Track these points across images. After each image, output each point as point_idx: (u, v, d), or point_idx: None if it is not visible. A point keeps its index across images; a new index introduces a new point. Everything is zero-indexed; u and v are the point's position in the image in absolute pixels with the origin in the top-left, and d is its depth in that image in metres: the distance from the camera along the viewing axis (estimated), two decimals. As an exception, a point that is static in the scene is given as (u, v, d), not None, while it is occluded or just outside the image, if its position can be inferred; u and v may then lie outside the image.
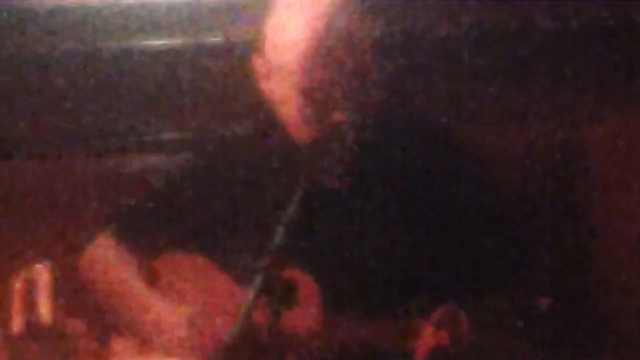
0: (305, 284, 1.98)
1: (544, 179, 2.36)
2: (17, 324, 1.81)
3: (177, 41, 2.61)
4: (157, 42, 2.63)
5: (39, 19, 2.57)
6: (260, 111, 2.17)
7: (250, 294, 1.80)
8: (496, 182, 2.21)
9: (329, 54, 2.05)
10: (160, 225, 2.24)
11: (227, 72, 2.33)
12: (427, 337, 1.95)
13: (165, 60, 2.62)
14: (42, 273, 1.82)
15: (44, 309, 1.81)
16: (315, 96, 2.05)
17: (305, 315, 1.98)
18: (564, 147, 2.44)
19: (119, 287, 2.20)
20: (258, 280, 1.81)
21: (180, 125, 2.63)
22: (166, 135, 2.65)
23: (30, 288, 1.81)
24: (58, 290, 1.82)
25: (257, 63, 2.13)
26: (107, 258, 2.25)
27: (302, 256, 1.94)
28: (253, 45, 2.14)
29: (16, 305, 1.81)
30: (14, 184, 2.50)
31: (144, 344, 2.06)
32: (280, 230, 1.86)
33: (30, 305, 1.81)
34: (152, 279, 2.20)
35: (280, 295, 1.84)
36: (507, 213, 2.17)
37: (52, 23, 2.56)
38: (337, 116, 2.08)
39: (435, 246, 2.09)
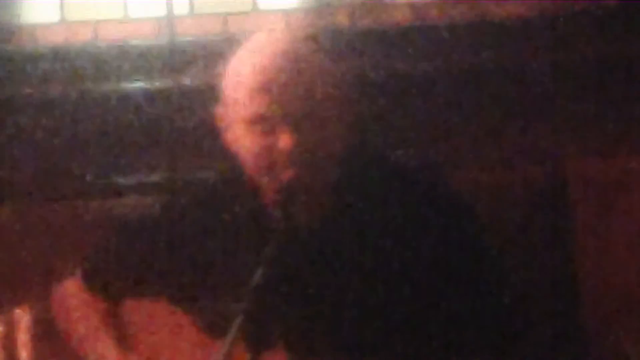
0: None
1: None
2: (-2, 367, 1.84)
3: (155, 83, 2.65)
4: (134, 85, 2.67)
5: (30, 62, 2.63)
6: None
7: (229, 336, 1.75)
8: (473, 222, 2.15)
9: (284, 99, 2.02)
10: (127, 269, 2.20)
11: (205, 113, 2.25)
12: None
13: (140, 102, 2.64)
14: (22, 317, 1.86)
15: (24, 352, 1.84)
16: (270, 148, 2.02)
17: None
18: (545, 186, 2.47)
19: (84, 331, 2.15)
20: (237, 321, 1.76)
21: (153, 167, 2.66)
22: (137, 178, 2.67)
23: (12, 331, 1.85)
24: (38, 333, 1.88)
25: (220, 112, 2.11)
26: (73, 301, 2.21)
27: (279, 298, 1.92)
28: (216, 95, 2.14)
29: (-3, 349, 1.85)
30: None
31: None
32: (259, 271, 1.83)
33: (10, 349, 1.84)
34: (116, 324, 2.15)
35: (260, 336, 1.83)
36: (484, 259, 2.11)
37: (41, 67, 2.63)
38: (290, 172, 2.04)
39: (415, 299, 2.03)
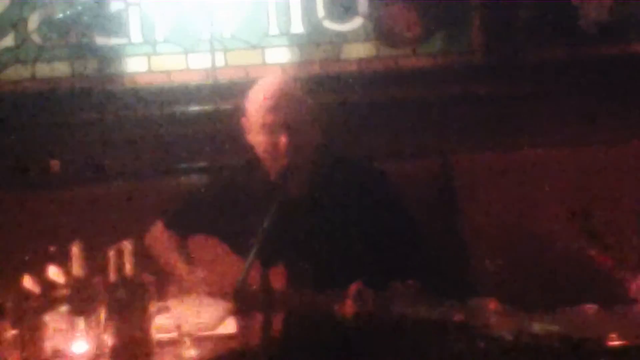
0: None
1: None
2: (112, 277, 2.21)
3: (206, 107, 3.20)
4: (190, 108, 3.21)
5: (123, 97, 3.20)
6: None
7: (249, 258, 2.13)
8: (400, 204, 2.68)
9: (286, 114, 2.54)
10: (191, 219, 2.69)
11: (237, 126, 2.73)
12: (346, 305, 2.23)
13: (196, 119, 3.19)
14: (127, 246, 2.21)
15: (129, 268, 2.19)
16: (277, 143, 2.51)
17: (282, 276, 2.35)
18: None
19: (167, 255, 2.65)
20: (254, 249, 2.13)
21: (201, 158, 3.14)
22: (190, 164, 3.15)
23: (121, 255, 2.19)
24: (138, 256, 2.20)
25: (244, 121, 2.59)
26: (160, 238, 2.73)
27: (278, 236, 2.23)
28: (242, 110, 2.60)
29: (111, 265, 2.20)
30: (116, 200, 3.04)
31: (184, 288, 2.39)
32: (266, 220, 2.22)
33: (120, 266, 2.19)
34: (185, 251, 2.64)
35: (268, 258, 2.15)
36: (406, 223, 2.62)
37: (138, 98, 3.17)
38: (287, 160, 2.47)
39: (361, 239, 2.54)
